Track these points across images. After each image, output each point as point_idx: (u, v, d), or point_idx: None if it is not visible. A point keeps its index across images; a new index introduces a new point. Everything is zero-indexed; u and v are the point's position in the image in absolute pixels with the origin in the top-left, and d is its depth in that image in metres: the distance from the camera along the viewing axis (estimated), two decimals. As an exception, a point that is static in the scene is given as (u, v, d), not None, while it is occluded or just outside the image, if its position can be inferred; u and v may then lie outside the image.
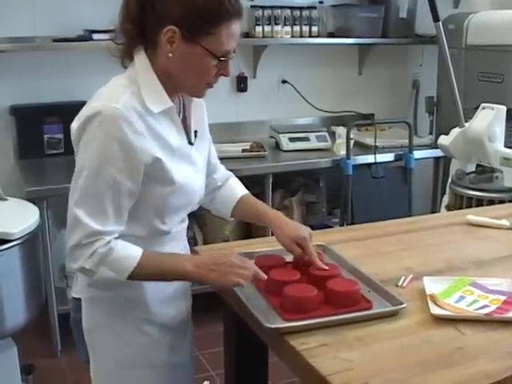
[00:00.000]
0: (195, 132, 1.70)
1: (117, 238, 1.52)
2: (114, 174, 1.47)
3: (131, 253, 1.52)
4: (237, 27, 1.53)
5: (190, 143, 1.67)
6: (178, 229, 1.72)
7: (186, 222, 1.78)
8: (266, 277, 1.57)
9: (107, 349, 1.69)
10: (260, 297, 1.59)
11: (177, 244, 1.72)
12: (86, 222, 1.48)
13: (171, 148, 1.58)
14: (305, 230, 1.74)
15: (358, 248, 1.95)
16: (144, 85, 1.54)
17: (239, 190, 1.90)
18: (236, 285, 1.54)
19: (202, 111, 1.76)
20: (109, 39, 1.60)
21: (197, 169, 1.68)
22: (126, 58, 1.60)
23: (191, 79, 1.57)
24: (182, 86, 1.60)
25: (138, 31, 1.54)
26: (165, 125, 1.57)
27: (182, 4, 1.47)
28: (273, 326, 1.43)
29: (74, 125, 1.52)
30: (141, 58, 1.56)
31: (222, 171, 1.91)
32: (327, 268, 1.67)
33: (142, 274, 1.53)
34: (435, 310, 1.51)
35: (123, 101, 1.48)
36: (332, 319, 1.46)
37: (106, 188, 1.48)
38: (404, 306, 1.52)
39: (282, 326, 1.44)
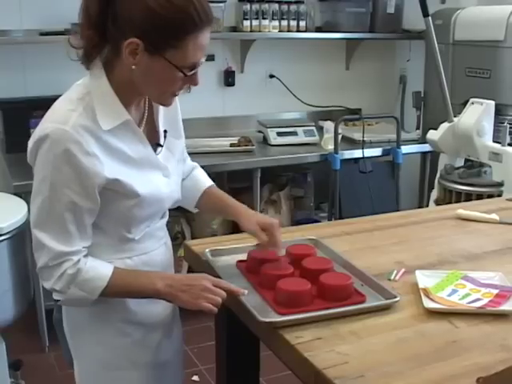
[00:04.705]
0: (165, 132, 1.65)
1: (86, 256, 1.51)
2: (70, 196, 1.44)
3: (101, 272, 1.51)
4: (205, 38, 1.44)
5: (159, 145, 1.62)
6: (157, 226, 1.68)
7: (166, 218, 1.74)
8: (246, 292, 1.54)
9: (90, 351, 1.66)
10: (253, 291, 1.59)
11: (154, 241, 1.68)
12: (50, 245, 1.46)
13: (132, 160, 1.53)
14: (273, 219, 1.73)
15: (349, 242, 1.95)
16: (97, 100, 1.47)
17: (204, 181, 1.87)
18: (206, 310, 1.50)
19: (173, 108, 1.68)
20: (68, 41, 1.48)
21: (166, 172, 1.63)
22: (88, 63, 1.50)
23: (155, 90, 1.51)
24: (145, 94, 1.56)
25: (100, 37, 1.44)
26: (123, 137, 1.51)
27: (144, 15, 1.37)
28: (267, 320, 1.43)
29: (29, 144, 1.47)
30: (95, 70, 1.49)
31: (187, 163, 1.86)
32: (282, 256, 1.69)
33: (113, 292, 1.52)
34: (428, 304, 1.51)
35: (72, 121, 1.42)
36: (326, 313, 1.46)
37: (65, 210, 1.45)
38: (397, 299, 1.52)
39: (276, 320, 1.44)
